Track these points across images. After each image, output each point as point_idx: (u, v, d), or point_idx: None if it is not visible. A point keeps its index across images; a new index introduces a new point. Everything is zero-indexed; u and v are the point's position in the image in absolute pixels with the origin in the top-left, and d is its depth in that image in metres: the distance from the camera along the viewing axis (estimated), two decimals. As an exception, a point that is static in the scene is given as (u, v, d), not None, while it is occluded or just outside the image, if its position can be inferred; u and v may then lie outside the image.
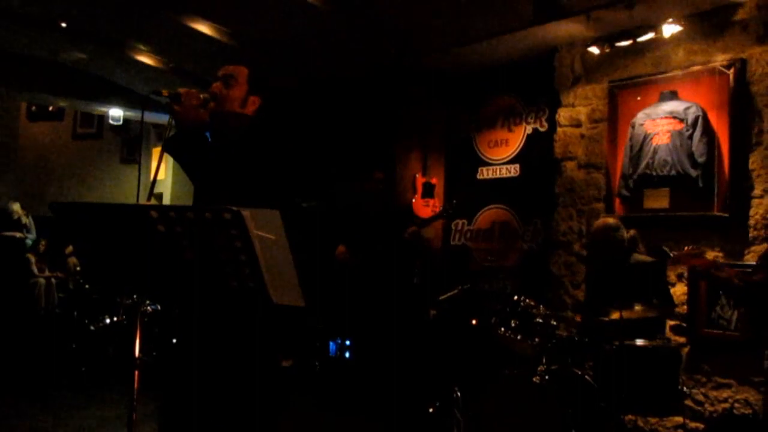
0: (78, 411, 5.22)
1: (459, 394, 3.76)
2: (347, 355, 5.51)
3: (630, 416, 3.93)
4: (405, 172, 6.74)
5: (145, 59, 7.44)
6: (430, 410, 4.25)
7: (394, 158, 6.69)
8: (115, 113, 10.09)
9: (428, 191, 6.72)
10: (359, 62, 6.46)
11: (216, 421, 2.36)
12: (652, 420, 4.59)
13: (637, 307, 3.75)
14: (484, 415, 3.67)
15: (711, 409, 4.44)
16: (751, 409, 4.19)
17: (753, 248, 4.30)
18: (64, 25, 6.87)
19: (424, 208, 6.55)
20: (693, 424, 4.44)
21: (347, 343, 5.50)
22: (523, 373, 3.76)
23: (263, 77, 2.63)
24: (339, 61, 6.51)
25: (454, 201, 5.79)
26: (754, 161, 4.36)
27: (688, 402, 4.31)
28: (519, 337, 3.91)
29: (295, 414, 4.42)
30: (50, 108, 13.11)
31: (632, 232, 4.29)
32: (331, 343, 5.56)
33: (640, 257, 4.28)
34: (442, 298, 4.87)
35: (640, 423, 4.47)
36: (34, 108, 13.53)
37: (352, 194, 5.62)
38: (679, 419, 4.33)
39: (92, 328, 6.35)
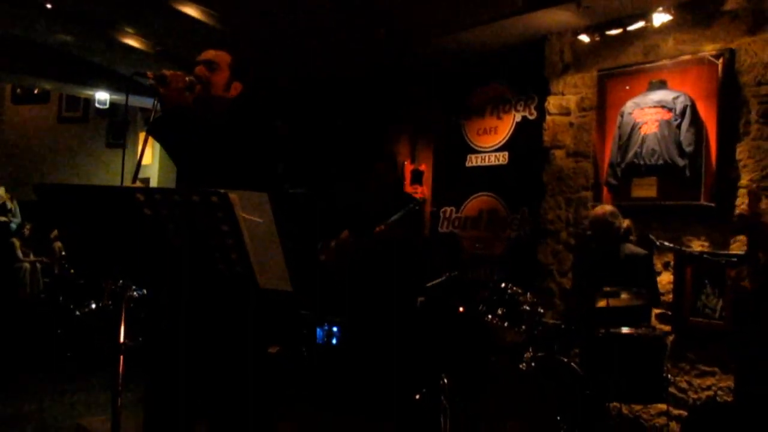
0: (63, 396, 5.19)
1: (446, 381, 3.77)
2: (334, 341, 5.51)
3: (614, 404, 3.96)
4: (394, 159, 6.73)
5: (132, 42, 7.35)
6: (417, 397, 4.26)
7: (384, 147, 6.67)
8: (102, 97, 9.98)
9: (417, 178, 6.72)
10: (359, 62, 6.40)
11: (203, 406, 2.35)
12: (636, 407, 4.63)
13: (624, 296, 3.77)
14: (471, 402, 3.69)
15: (694, 396, 4.49)
16: (734, 397, 4.24)
17: (738, 238, 4.33)
18: (49, 6, 6.77)
19: (413, 194, 6.53)
20: (676, 411, 4.48)
21: (334, 329, 5.49)
22: (509, 361, 3.78)
23: (261, 76, 2.63)
24: (339, 60, 6.45)
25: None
26: (741, 151, 4.37)
27: (672, 389, 4.35)
28: (506, 325, 3.92)
29: (293, 414, 4.42)
30: (35, 91, 12.96)
31: (627, 222, 4.30)
32: (318, 330, 5.56)
33: (632, 248, 4.30)
34: (429, 284, 4.87)
35: (625, 410, 4.50)
36: (18, 90, 13.38)
37: (354, 192, 5.52)
38: (663, 407, 4.37)
39: (77, 313, 6.33)
